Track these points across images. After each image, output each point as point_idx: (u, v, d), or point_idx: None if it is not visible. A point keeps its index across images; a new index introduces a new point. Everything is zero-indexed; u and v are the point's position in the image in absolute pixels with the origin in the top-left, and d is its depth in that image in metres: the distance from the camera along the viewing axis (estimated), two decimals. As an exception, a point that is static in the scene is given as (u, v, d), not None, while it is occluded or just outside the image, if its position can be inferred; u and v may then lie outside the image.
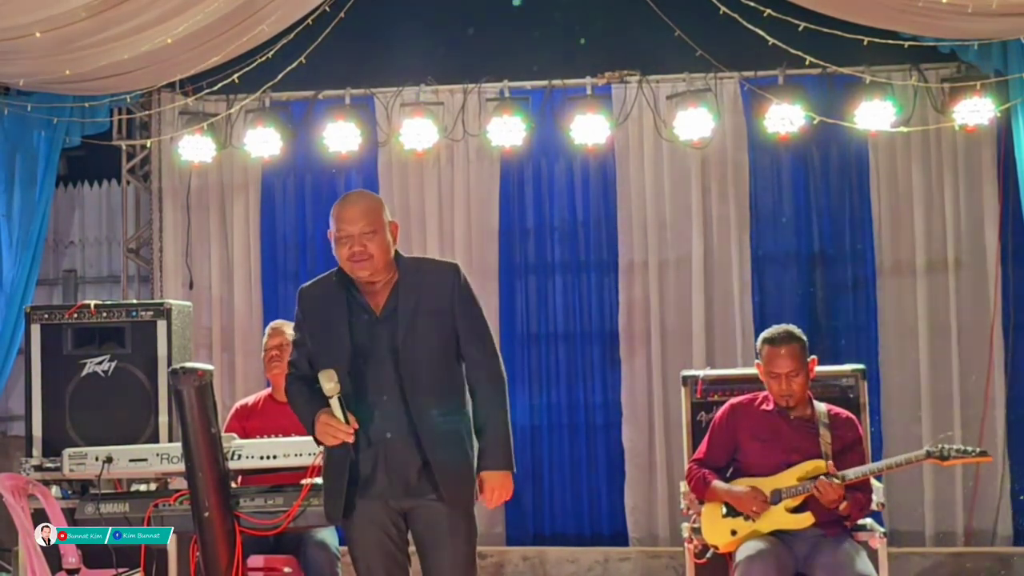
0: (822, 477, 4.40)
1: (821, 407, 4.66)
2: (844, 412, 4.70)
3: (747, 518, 4.52)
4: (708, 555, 4.69)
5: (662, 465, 7.07)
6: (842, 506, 4.42)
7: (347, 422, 3.60)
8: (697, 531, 4.75)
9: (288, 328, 4.86)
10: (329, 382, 3.59)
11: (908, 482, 6.78)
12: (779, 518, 4.49)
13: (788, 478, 4.51)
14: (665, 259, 7.25)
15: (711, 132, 6.94)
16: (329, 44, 6.43)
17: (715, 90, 6.99)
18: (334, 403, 3.62)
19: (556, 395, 7.39)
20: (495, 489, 3.70)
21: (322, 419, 3.66)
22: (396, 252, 3.80)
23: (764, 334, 4.72)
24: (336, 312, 3.74)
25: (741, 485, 4.58)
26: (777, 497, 4.50)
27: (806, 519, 4.47)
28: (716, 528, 4.61)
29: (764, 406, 4.69)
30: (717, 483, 4.63)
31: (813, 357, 4.67)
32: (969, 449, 4.48)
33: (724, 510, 4.60)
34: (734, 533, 4.55)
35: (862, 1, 6.07)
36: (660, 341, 7.18)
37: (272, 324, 5.40)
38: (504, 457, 3.72)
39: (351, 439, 3.64)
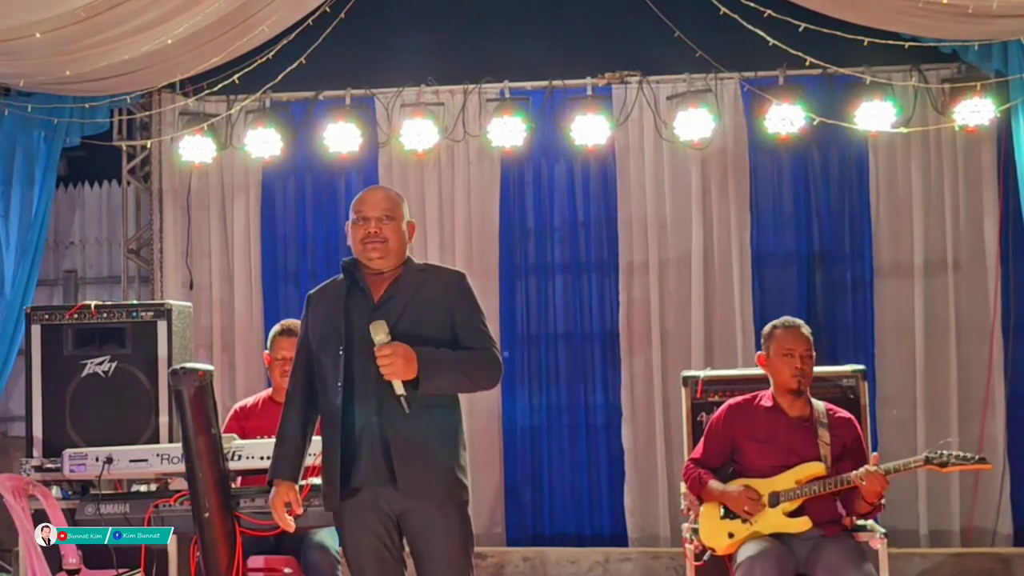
0: (869, 468, 4.36)
1: (820, 406, 4.67)
2: (843, 412, 4.71)
3: (744, 520, 4.53)
4: (706, 557, 4.69)
5: (662, 465, 7.07)
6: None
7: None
8: (697, 531, 4.75)
9: None
10: (380, 333, 3.63)
11: (908, 482, 6.78)
12: (777, 521, 4.49)
13: (786, 480, 4.51)
14: (665, 259, 7.25)
15: (711, 132, 6.94)
16: (329, 45, 6.43)
17: (715, 90, 7.00)
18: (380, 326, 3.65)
19: (556, 395, 7.39)
20: (397, 356, 3.58)
21: (276, 497, 3.83)
22: (407, 256, 3.89)
23: (773, 322, 4.76)
24: (336, 300, 3.82)
25: (736, 485, 4.58)
26: (775, 500, 4.50)
27: (804, 523, 4.47)
28: (714, 530, 4.61)
29: (763, 403, 4.69)
30: (712, 483, 4.63)
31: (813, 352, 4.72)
32: (969, 456, 4.42)
33: (722, 512, 4.60)
34: (731, 536, 4.55)
35: (862, 1, 6.07)
36: (660, 341, 7.18)
37: (284, 326, 5.30)
38: (430, 364, 3.62)
39: (290, 529, 3.87)
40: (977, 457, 4.44)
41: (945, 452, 4.41)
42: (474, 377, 3.78)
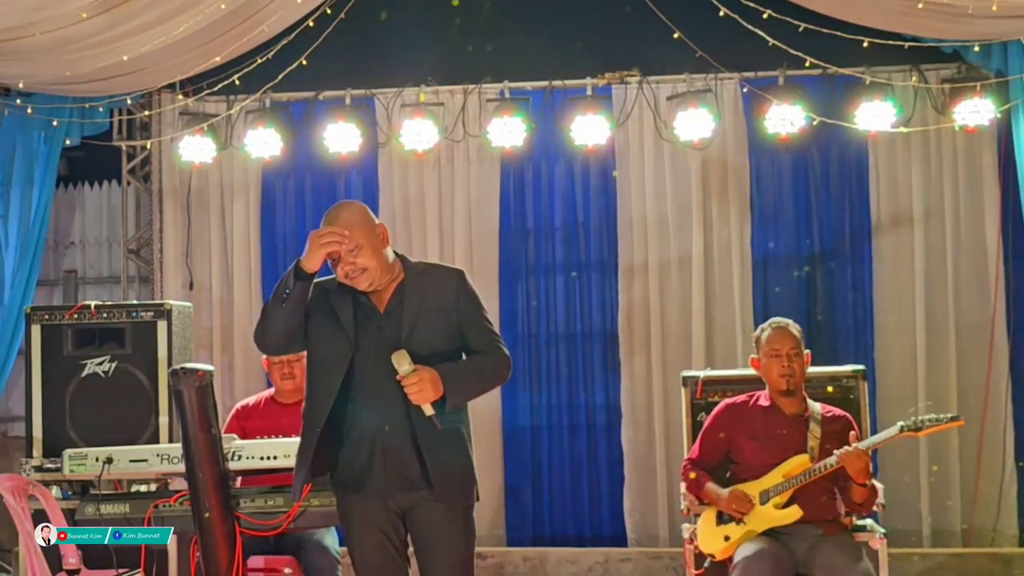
0: (846, 447, 4.37)
1: (815, 406, 4.68)
2: (838, 411, 4.72)
3: (738, 522, 4.53)
4: (706, 564, 4.68)
5: (662, 466, 7.06)
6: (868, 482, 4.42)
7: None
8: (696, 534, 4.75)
9: None
10: (404, 363, 3.62)
11: (908, 482, 6.79)
12: (768, 516, 4.50)
13: (775, 476, 4.54)
14: (665, 260, 7.25)
15: (711, 133, 6.94)
16: (329, 45, 6.44)
17: (715, 91, 6.99)
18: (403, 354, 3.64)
19: (556, 396, 7.38)
20: (424, 381, 3.60)
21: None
22: (401, 255, 3.86)
23: (761, 326, 4.81)
24: (341, 305, 3.78)
25: (728, 489, 4.59)
26: (765, 497, 4.52)
27: (794, 513, 4.48)
28: (710, 536, 4.62)
29: (760, 402, 4.70)
30: (709, 485, 4.66)
31: (807, 351, 4.71)
32: (941, 417, 4.44)
33: (717, 518, 4.61)
34: (727, 539, 4.55)
35: (862, 2, 6.08)
36: (660, 342, 7.18)
37: None
38: (454, 381, 3.66)
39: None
40: (949, 416, 4.46)
41: (917, 418, 4.43)
42: (491, 381, 3.86)
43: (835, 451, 4.42)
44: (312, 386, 3.81)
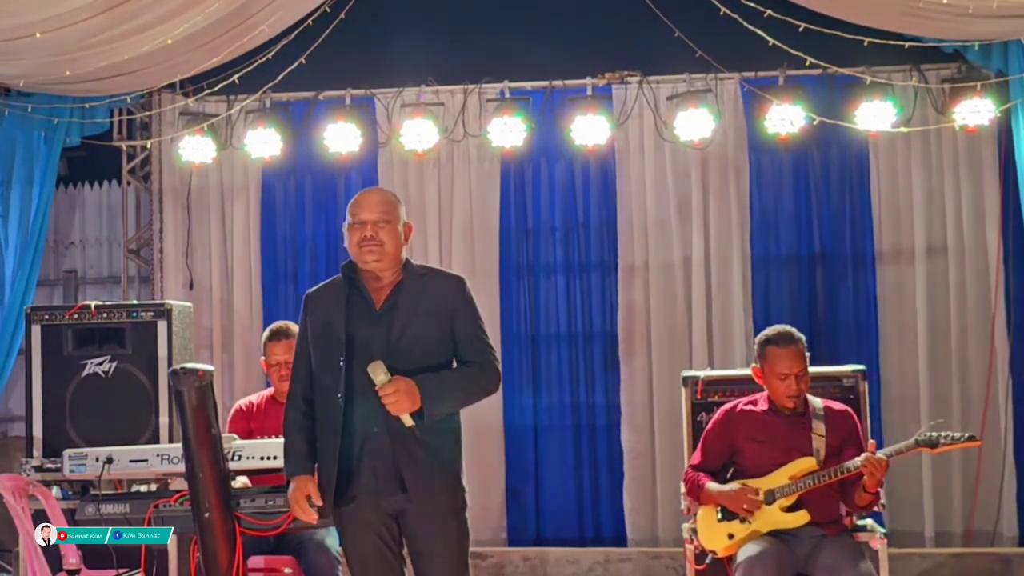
0: (869, 455, 4.37)
1: (816, 401, 4.66)
2: (839, 405, 4.71)
3: (743, 520, 4.53)
4: (707, 561, 4.68)
5: (662, 466, 7.06)
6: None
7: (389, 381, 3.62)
8: (696, 532, 4.74)
9: (293, 329, 4.86)
10: (380, 373, 3.63)
11: (909, 482, 6.78)
12: (775, 518, 4.49)
13: (780, 477, 4.52)
14: (665, 259, 7.24)
15: (711, 133, 6.94)
16: (329, 45, 6.43)
17: (715, 91, 6.99)
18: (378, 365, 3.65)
19: (557, 396, 7.37)
20: (400, 392, 3.60)
21: (296, 491, 3.80)
22: (405, 258, 3.88)
23: (765, 335, 4.71)
24: (336, 305, 3.81)
25: (734, 485, 4.58)
26: (771, 497, 4.50)
27: (801, 517, 4.48)
28: (712, 533, 4.61)
29: (760, 404, 4.69)
30: (710, 484, 4.63)
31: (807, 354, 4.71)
32: (957, 435, 4.45)
33: (719, 514, 4.60)
34: (731, 536, 4.54)
35: (862, 2, 6.07)
36: (660, 342, 7.17)
37: (273, 330, 5.30)
38: (433, 393, 3.65)
39: (314, 521, 3.81)
40: (966, 436, 4.46)
41: (934, 434, 4.44)
42: (475, 394, 3.84)
43: (854, 459, 4.40)
44: (312, 382, 3.86)
